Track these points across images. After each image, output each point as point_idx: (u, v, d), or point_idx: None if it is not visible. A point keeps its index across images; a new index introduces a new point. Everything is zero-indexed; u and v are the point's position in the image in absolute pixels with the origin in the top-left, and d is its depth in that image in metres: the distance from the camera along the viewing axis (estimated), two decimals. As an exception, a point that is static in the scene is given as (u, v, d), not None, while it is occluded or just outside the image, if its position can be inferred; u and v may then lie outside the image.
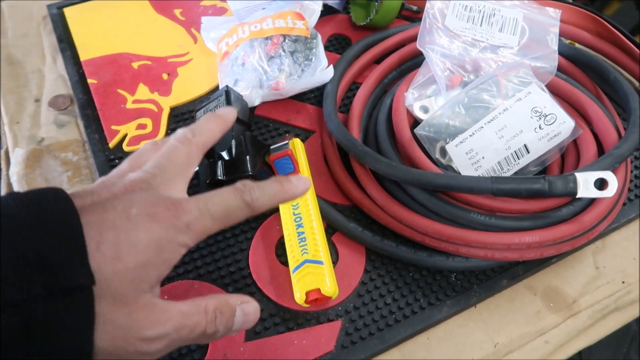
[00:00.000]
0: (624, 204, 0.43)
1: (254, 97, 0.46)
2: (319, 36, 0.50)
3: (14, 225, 0.23)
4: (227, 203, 0.29)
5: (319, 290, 0.36)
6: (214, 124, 0.34)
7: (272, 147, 0.42)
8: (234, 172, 0.37)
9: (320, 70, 0.47)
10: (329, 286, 0.36)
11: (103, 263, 0.24)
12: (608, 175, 0.35)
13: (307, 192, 0.34)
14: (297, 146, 0.43)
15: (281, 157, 0.40)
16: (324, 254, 0.37)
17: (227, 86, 0.44)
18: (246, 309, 0.29)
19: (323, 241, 0.38)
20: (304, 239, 0.38)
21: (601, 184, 0.35)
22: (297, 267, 0.37)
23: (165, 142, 0.32)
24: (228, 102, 0.42)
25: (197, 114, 0.44)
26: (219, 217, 0.29)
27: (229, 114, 0.36)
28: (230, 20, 0.53)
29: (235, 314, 0.29)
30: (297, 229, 0.39)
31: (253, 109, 0.49)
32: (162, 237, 0.26)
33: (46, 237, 0.23)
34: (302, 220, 0.39)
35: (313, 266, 0.36)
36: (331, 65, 0.48)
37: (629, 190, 0.44)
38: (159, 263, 0.26)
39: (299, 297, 0.36)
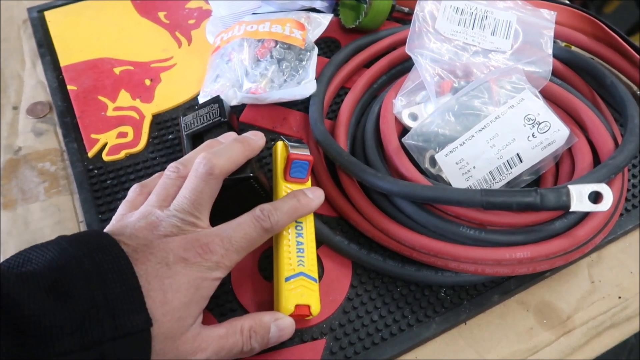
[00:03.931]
0: (621, 215, 0.41)
1: (230, 97, 0.45)
2: (315, 50, 0.48)
3: (84, 276, 0.27)
4: (249, 235, 0.32)
5: (308, 307, 0.34)
6: (239, 151, 0.36)
7: (290, 143, 0.39)
8: (236, 173, 0.36)
9: (304, 83, 0.46)
10: (318, 306, 0.34)
11: (154, 307, 0.28)
12: (603, 188, 0.33)
13: (321, 204, 0.37)
14: None
15: (302, 160, 0.38)
16: (316, 271, 0.36)
17: (218, 95, 0.42)
18: (281, 324, 0.33)
19: (315, 259, 0.36)
20: (302, 250, 0.36)
21: (596, 197, 0.34)
22: (291, 277, 0.35)
23: (187, 163, 0.34)
24: (221, 109, 0.41)
25: (183, 118, 0.42)
26: (243, 249, 0.32)
27: (256, 142, 0.37)
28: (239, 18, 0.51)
29: (270, 330, 0.32)
30: (297, 237, 0.36)
31: (238, 114, 0.47)
32: (197, 277, 0.30)
33: (112, 288, 0.27)
34: (303, 230, 0.37)
35: (308, 281, 0.35)
36: (314, 81, 0.46)
37: (626, 200, 0.42)
38: (198, 299, 0.30)
39: (286, 308, 0.34)
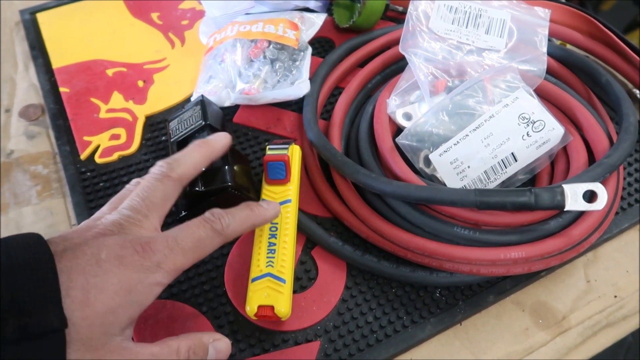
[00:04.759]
0: (617, 214, 0.41)
1: (224, 98, 0.45)
2: (309, 50, 0.48)
3: None
4: (197, 235, 0.29)
5: (272, 308, 0.34)
6: (198, 154, 0.34)
7: (270, 146, 0.40)
8: (213, 183, 0.36)
9: (298, 83, 0.45)
10: (284, 308, 0.34)
11: (72, 308, 0.24)
12: (597, 187, 0.33)
13: (277, 216, 0.36)
14: (294, 154, 0.41)
15: (276, 160, 0.38)
16: (287, 272, 0.35)
17: (202, 95, 0.42)
18: (218, 346, 0.30)
19: (291, 260, 0.36)
20: (273, 251, 0.36)
21: (590, 196, 0.34)
22: (257, 278, 0.35)
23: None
24: (203, 112, 0.40)
25: (170, 124, 0.42)
26: (191, 250, 0.29)
27: (218, 142, 0.36)
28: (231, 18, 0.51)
29: (208, 352, 0.29)
30: (269, 238, 0.37)
31: (231, 115, 0.47)
32: (131, 279, 0.26)
33: (22, 283, 0.23)
34: (277, 231, 0.37)
35: (274, 282, 0.35)
36: (308, 81, 0.46)
37: (622, 198, 0.42)
38: (128, 305, 0.26)
39: (250, 309, 0.34)
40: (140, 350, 0.27)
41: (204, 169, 0.38)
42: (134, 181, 0.33)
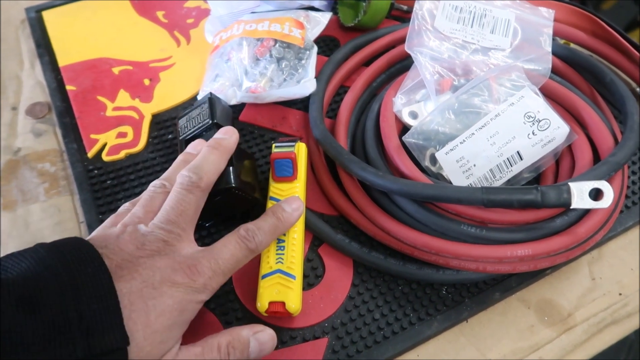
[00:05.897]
0: (621, 212, 0.41)
1: (230, 96, 0.45)
2: (315, 49, 0.48)
3: (58, 290, 0.25)
4: (236, 257, 0.32)
5: (283, 304, 0.34)
6: (217, 157, 0.35)
7: (276, 143, 0.40)
8: (217, 184, 0.36)
9: (304, 82, 0.46)
10: (295, 304, 0.34)
11: (135, 330, 0.27)
12: (603, 185, 0.33)
13: (302, 214, 0.37)
14: (300, 151, 0.41)
15: (283, 158, 0.38)
16: (297, 268, 0.36)
17: (210, 93, 0.42)
18: (260, 338, 0.32)
19: (300, 256, 0.36)
20: (282, 247, 0.36)
21: (596, 194, 0.34)
22: (268, 275, 0.35)
23: (171, 180, 0.34)
24: (212, 109, 0.41)
25: (179, 121, 0.42)
26: (230, 270, 0.32)
27: (229, 140, 0.37)
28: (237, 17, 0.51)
29: (250, 345, 0.31)
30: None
31: (237, 113, 0.47)
32: (183, 300, 0.29)
33: (87, 305, 0.25)
34: None
35: (284, 278, 0.35)
36: (314, 79, 0.46)
37: (626, 197, 0.42)
38: (181, 322, 0.29)
39: (261, 305, 0.34)
40: (186, 354, 0.29)
41: None
42: (158, 183, 0.34)
